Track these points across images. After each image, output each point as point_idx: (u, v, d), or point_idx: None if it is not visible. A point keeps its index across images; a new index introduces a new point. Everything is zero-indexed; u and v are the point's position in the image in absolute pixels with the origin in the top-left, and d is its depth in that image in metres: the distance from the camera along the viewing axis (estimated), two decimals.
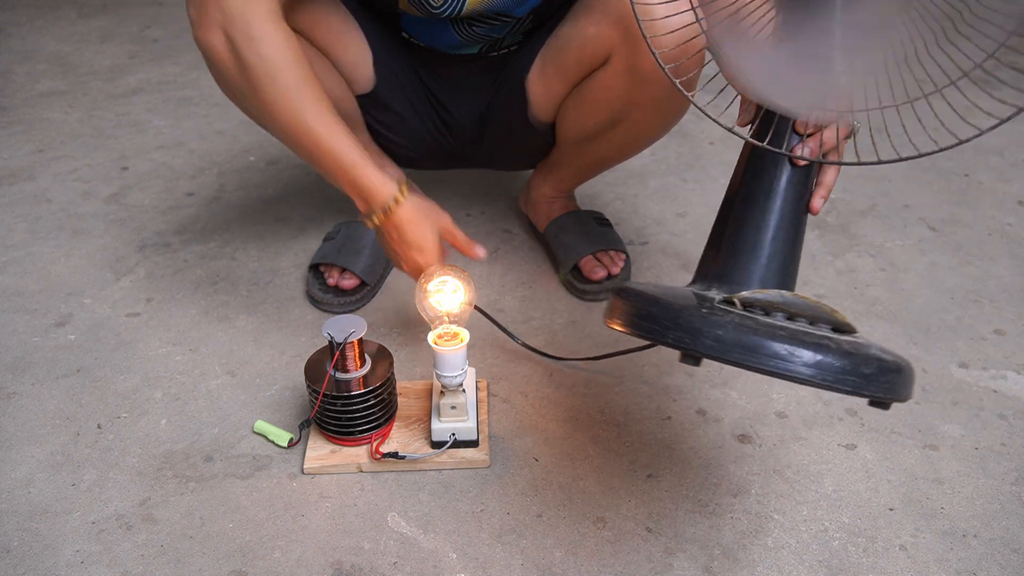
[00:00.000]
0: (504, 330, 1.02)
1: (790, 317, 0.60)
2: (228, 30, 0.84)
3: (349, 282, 1.13)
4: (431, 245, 0.91)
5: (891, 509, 0.83)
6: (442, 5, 0.96)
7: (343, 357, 0.85)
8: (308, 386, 0.87)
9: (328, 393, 0.85)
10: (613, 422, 0.94)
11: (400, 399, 0.94)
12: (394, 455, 0.86)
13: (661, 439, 0.92)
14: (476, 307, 0.96)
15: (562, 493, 0.85)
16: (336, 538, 0.81)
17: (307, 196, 1.43)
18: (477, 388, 0.95)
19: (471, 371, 0.93)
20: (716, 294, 0.64)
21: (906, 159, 0.60)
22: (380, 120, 1.12)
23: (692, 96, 0.70)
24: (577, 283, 1.16)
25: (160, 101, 1.84)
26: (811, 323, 0.60)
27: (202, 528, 0.82)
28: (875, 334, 1.06)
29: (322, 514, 0.83)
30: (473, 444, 0.89)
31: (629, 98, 0.99)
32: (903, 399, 0.58)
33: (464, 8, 0.96)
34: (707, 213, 1.37)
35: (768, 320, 0.58)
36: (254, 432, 0.93)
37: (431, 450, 0.88)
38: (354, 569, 0.78)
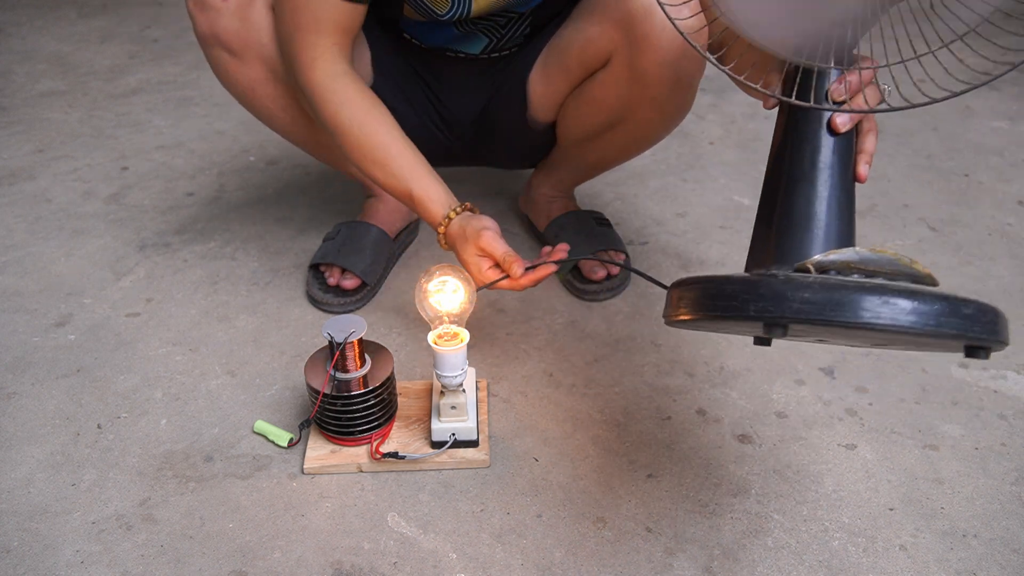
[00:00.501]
0: (655, 281, 0.87)
1: (868, 276, 0.58)
2: (303, 94, 0.96)
3: (350, 282, 1.13)
4: (470, 264, 0.91)
5: (891, 509, 0.83)
6: (447, 12, 0.97)
7: (343, 357, 0.85)
8: (308, 386, 0.87)
9: (328, 393, 0.85)
10: (613, 422, 0.94)
11: (400, 399, 0.94)
12: (394, 455, 0.86)
13: (661, 439, 0.92)
14: (634, 269, 0.91)
15: (562, 493, 0.85)
16: (336, 538, 0.81)
17: (307, 196, 1.43)
18: (477, 388, 0.95)
19: (471, 371, 0.93)
20: (781, 271, 0.62)
21: (940, 100, 0.57)
22: None
23: (708, 53, 0.67)
24: (577, 283, 1.16)
25: (160, 101, 1.84)
26: (890, 279, 0.58)
27: (202, 528, 0.82)
28: None
29: (322, 514, 0.83)
30: (473, 444, 0.88)
31: (629, 98, 0.99)
32: (1005, 342, 0.55)
33: (470, 12, 0.97)
34: (707, 213, 1.37)
35: (851, 279, 0.56)
36: (254, 432, 0.93)
37: (431, 450, 0.88)
38: (354, 569, 0.78)
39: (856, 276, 0.58)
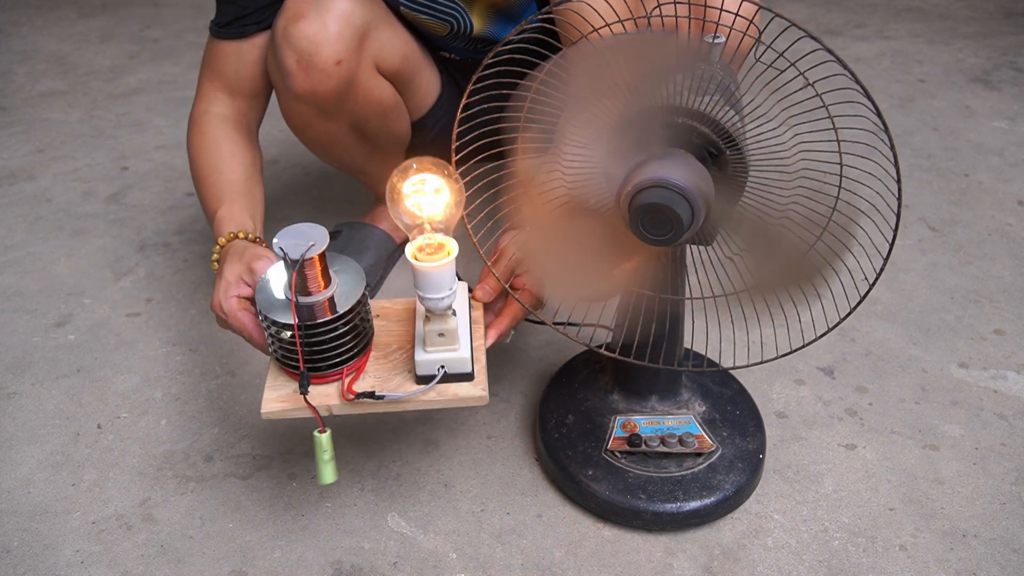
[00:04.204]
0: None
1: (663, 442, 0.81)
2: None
3: None
4: (223, 280, 0.78)
5: (891, 509, 0.83)
6: (447, 33, 1.00)
7: (302, 278, 0.68)
8: (260, 313, 0.71)
9: (280, 322, 0.69)
10: None
11: (377, 322, 0.79)
12: (370, 395, 0.71)
13: None
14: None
15: (562, 493, 0.85)
16: (336, 538, 0.81)
17: (307, 196, 1.43)
18: (471, 307, 0.80)
19: (462, 286, 0.77)
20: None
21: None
22: (422, 140, 1.15)
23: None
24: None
25: (160, 101, 1.84)
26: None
27: (202, 528, 0.82)
28: (875, 334, 1.06)
29: (322, 514, 0.83)
30: (467, 378, 0.73)
31: None
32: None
33: (472, 30, 1.00)
34: None
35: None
36: (316, 434, 0.73)
37: (416, 387, 0.72)
38: (354, 569, 0.78)
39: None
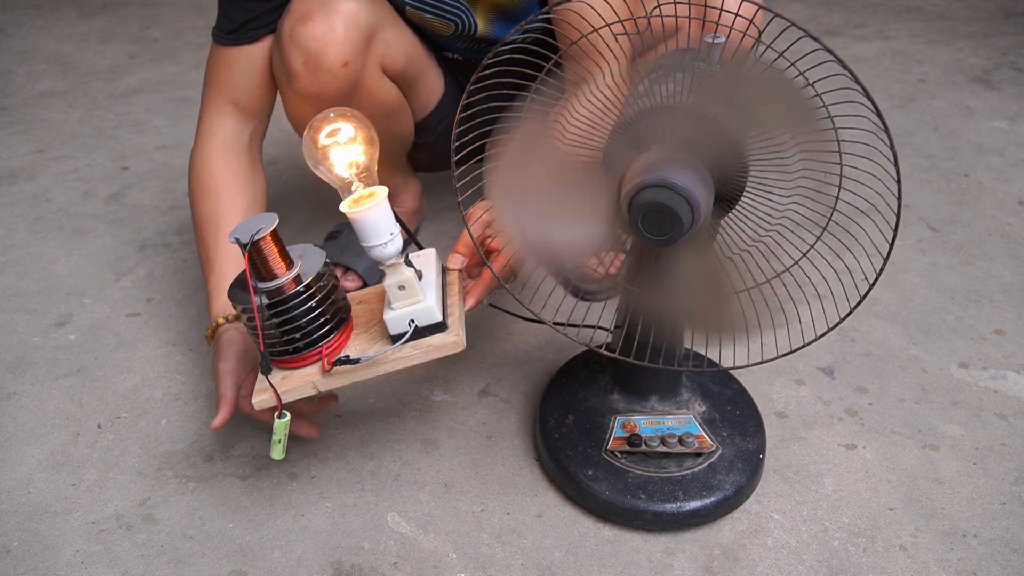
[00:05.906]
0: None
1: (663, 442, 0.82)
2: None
3: (352, 283, 1.14)
4: (224, 374, 0.83)
5: (891, 509, 0.83)
6: (452, 33, 1.00)
7: (261, 260, 0.70)
8: (236, 307, 0.73)
9: (254, 308, 0.71)
10: None
11: (362, 307, 0.81)
12: (346, 360, 0.72)
13: None
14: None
15: (562, 493, 0.85)
16: (336, 538, 0.81)
17: (307, 196, 1.43)
18: (445, 272, 0.81)
19: (430, 252, 0.78)
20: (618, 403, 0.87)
21: None
22: (426, 140, 1.16)
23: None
24: (577, 283, 1.16)
25: (160, 101, 1.84)
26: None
27: (202, 528, 0.82)
28: (875, 334, 1.07)
29: (322, 514, 0.83)
30: (440, 328, 0.73)
31: None
32: None
33: (477, 30, 1.00)
34: None
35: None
36: (276, 419, 0.75)
37: (389, 346, 0.73)
38: (354, 569, 0.78)
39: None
